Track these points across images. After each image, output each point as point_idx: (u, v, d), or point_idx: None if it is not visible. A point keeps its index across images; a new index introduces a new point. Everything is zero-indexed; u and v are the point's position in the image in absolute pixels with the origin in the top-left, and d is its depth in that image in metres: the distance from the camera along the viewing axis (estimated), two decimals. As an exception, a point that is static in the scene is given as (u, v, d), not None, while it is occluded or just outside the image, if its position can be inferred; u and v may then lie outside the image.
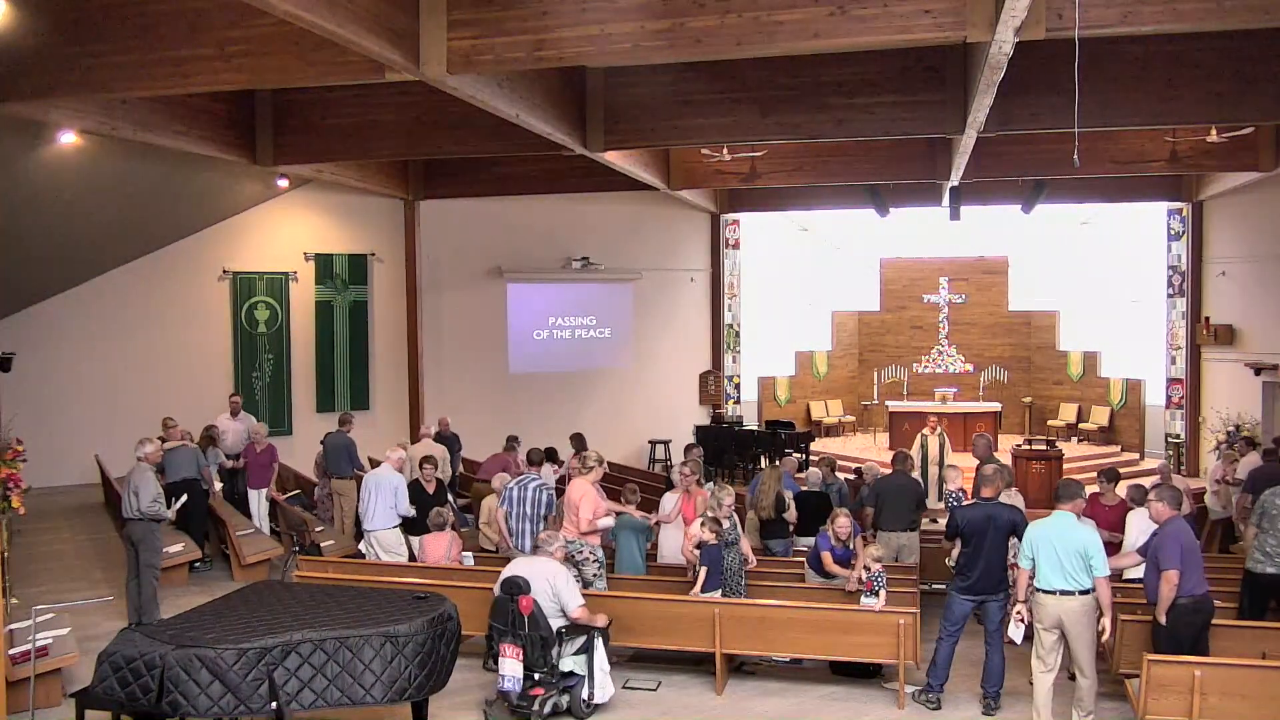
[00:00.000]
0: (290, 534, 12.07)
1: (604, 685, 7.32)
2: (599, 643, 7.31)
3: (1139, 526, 9.04)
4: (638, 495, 9.74)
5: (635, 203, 19.59)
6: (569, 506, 9.05)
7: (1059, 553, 6.86)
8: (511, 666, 7.12)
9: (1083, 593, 6.82)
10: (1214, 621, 7.24)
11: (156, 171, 13.58)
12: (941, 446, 15.79)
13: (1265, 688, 6.58)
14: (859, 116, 11.34)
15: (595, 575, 8.90)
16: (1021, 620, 7.12)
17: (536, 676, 7.19)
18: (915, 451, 14.95)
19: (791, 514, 10.45)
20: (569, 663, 7.35)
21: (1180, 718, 6.69)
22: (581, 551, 8.92)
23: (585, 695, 7.26)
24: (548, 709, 7.16)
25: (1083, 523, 7.22)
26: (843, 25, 7.51)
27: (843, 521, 8.97)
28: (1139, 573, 8.94)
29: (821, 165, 15.61)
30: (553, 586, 7.28)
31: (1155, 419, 20.06)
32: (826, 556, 8.87)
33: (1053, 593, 6.88)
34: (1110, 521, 9.64)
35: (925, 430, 15.75)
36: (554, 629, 7.27)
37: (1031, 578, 7.06)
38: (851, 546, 8.98)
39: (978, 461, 10.64)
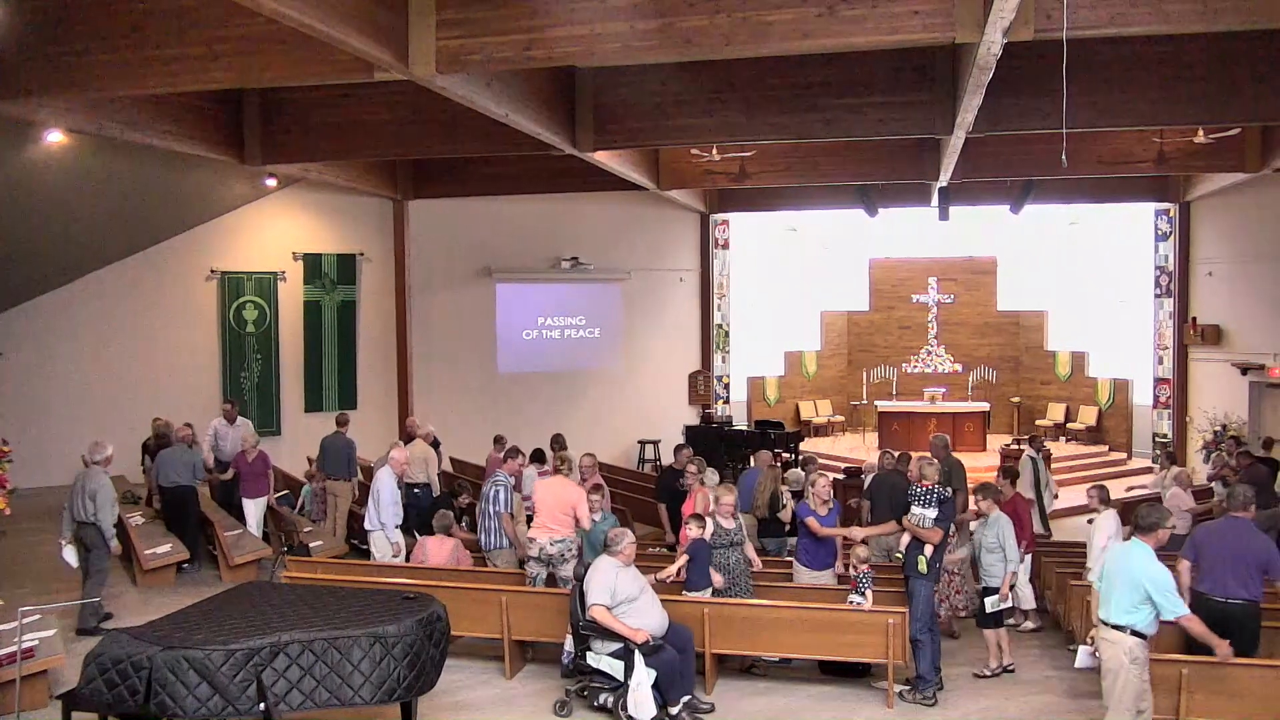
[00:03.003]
0: (279, 535, 12.04)
1: (641, 703, 7.09)
2: (638, 658, 7.16)
3: (1106, 529, 9.12)
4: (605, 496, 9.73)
5: (624, 203, 19.58)
6: (559, 505, 8.99)
7: (1117, 581, 6.36)
8: (568, 642, 7.72)
9: (1115, 627, 6.27)
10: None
11: (144, 171, 13.52)
12: (1048, 468, 13.74)
13: (1251, 686, 6.63)
14: (848, 117, 11.35)
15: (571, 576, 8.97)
16: (1091, 644, 6.63)
17: (582, 661, 7.49)
18: (1027, 477, 12.70)
19: (787, 513, 10.48)
20: (604, 663, 7.32)
21: (1168, 715, 6.72)
22: (571, 550, 8.97)
23: (624, 706, 7.17)
24: (599, 700, 7.39)
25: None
26: (832, 25, 7.52)
27: (822, 483, 8.97)
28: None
29: (810, 165, 15.63)
30: (588, 580, 7.41)
31: (1143, 419, 20.15)
32: (813, 522, 8.85)
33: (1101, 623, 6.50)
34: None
35: (1029, 451, 13.47)
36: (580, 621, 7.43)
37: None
38: (833, 507, 9.00)
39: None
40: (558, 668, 8.48)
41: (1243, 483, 11.10)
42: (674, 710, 7.29)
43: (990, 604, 8.36)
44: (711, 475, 9.93)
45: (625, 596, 7.31)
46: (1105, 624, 6.35)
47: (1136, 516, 6.56)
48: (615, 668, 7.26)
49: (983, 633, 8.58)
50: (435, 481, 12.77)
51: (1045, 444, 13.93)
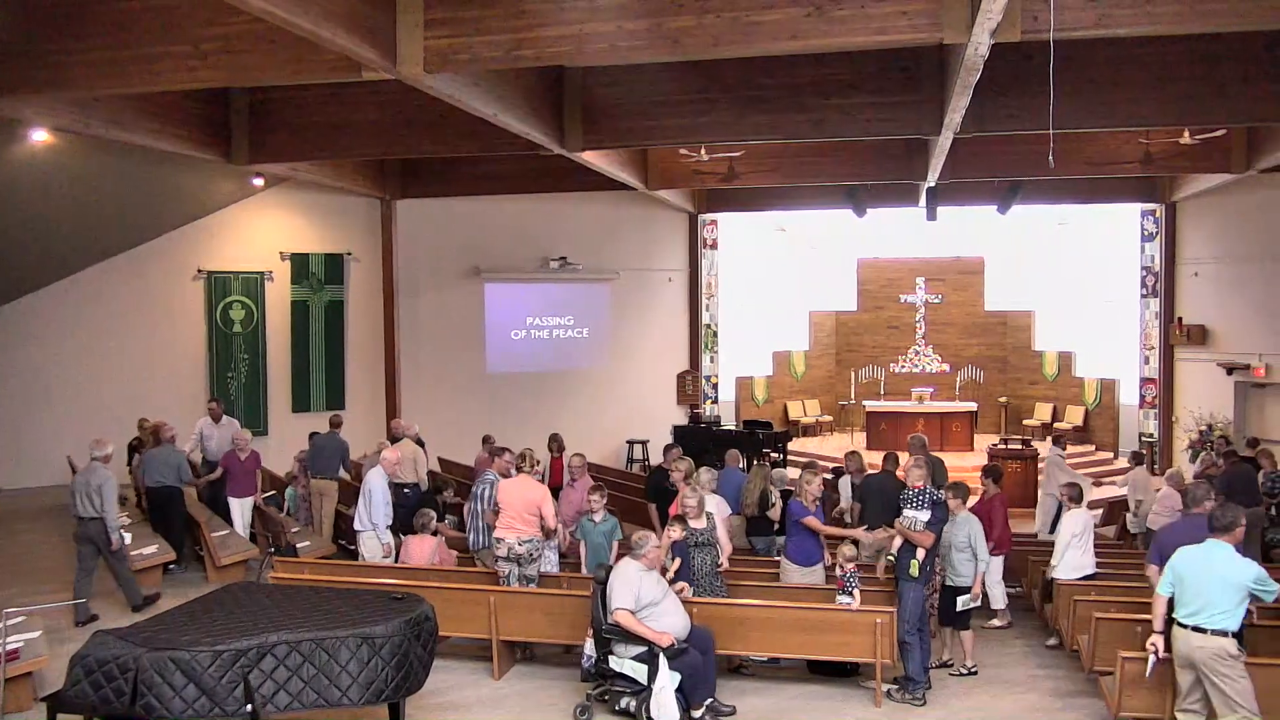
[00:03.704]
0: (266, 535, 11.99)
1: (664, 706, 7.00)
2: (662, 660, 7.07)
3: (1072, 527, 9.25)
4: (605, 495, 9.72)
5: (613, 202, 19.58)
6: (525, 505, 8.88)
7: (1209, 586, 6.20)
8: (588, 645, 7.55)
9: (1216, 633, 6.16)
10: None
11: (130, 170, 13.46)
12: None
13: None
14: (836, 117, 11.36)
15: (539, 573, 8.96)
16: (1156, 653, 6.48)
17: (604, 665, 7.36)
18: (1061, 476, 13.44)
19: (775, 512, 10.48)
20: (627, 666, 7.22)
21: (1154, 714, 6.76)
22: (539, 549, 8.95)
23: (647, 710, 7.07)
24: (620, 704, 7.26)
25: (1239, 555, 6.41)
26: (820, 26, 7.52)
27: (817, 482, 8.99)
28: (1066, 573, 9.18)
29: (799, 166, 15.65)
30: (611, 584, 7.32)
31: (1129, 418, 20.24)
32: (813, 520, 8.82)
33: (1185, 627, 6.29)
34: (979, 512, 9.90)
35: (1054, 451, 14.08)
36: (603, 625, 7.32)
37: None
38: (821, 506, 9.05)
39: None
40: (546, 668, 8.50)
41: (1228, 481, 11.18)
42: (697, 713, 7.23)
43: (961, 603, 8.34)
44: (704, 475, 9.85)
45: (649, 600, 7.23)
46: (1199, 630, 6.21)
47: (1213, 519, 6.47)
48: (639, 671, 7.16)
49: (959, 633, 8.57)
50: (425, 480, 12.75)
51: (1066, 444, 14.07)
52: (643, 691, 7.12)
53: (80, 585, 9.55)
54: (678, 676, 7.09)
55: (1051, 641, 9.32)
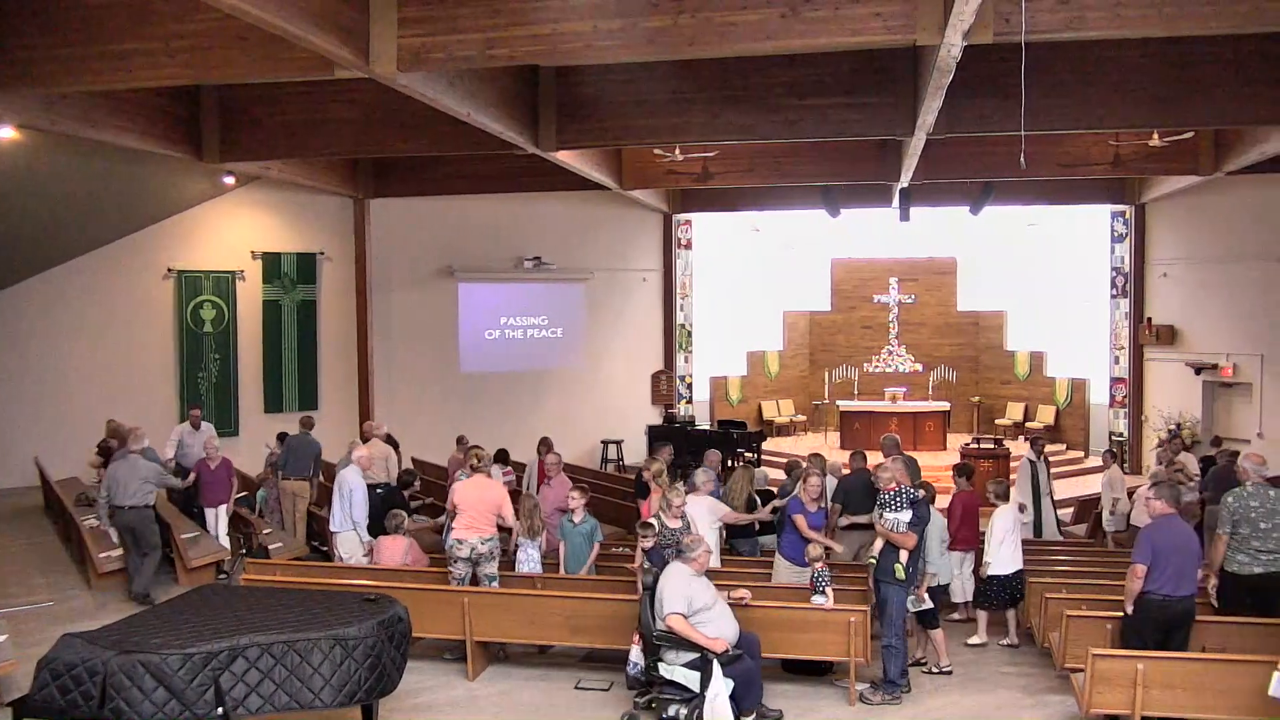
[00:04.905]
0: (238, 537, 11.89)
1: (718, 712, 6.83)
2: (715, 668, 6.90)
3: (1003, 524, 9.31)
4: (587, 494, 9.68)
5: (587, 202, 19.57)
6: (486, 506, 8.80)
7: None
8: (634, 653, 7.46)
9: None
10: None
11: (99, 167, 13.32)
12: (1049, 472, 13.87)
13: (1204, 680, 6.72)
14: (810, 118, 11.41)
15: (496, 574, 8.90)
16: None
17: (653, 672, 7.20)
18: (1025, 481, 13.42)
19: (763, 513, 10.47)
20: (678, 673, 7.04)
21: (1123, 710, 6.82)
22: (497, 548, 8.87)
23: (699, 717, 6.88)
24: (669, 712, 7.06)
25: None
26: (795, 27, 7.56)
27: (815, 481, 8.99)
28: (1001, 569, 9.23)
29: (773, 166, 15.69)
30: (661, 589, 7.17)
31: (1099, 418, 20.42)
32: (801, 520, 8.82)
33: None
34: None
35: (1028, 454, 13.56)
36: (654, 631, 7.16)
37: None
38: (825, 508, 9.01)
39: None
40: (521, 668, 8.48)
41: (1221, 479, 11.24)
42: None
43: (910, 603, 8.18)
44: (700, 476, 9.74)
45: (701, 605, 7.08)
46: None
47: None
48: (690, 679, 6.97)
49: (929, 632, 8.60)
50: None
51: (1044, 445, 13.82)
52: (694, 699, 6.94)
53: (132, 568, 10.21)
54: (731, 683, 6.94)
55: (973, 640, 9.34)
